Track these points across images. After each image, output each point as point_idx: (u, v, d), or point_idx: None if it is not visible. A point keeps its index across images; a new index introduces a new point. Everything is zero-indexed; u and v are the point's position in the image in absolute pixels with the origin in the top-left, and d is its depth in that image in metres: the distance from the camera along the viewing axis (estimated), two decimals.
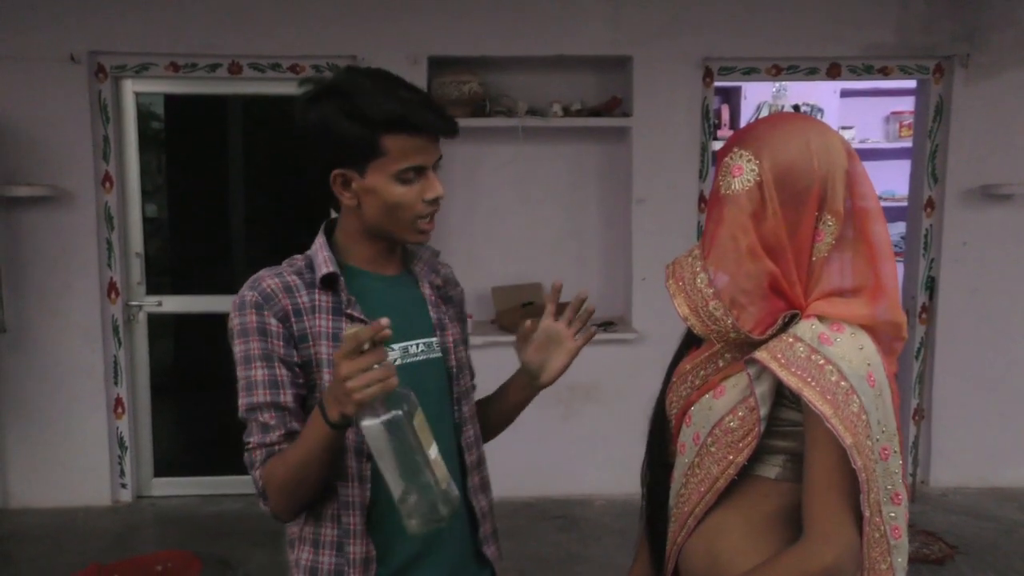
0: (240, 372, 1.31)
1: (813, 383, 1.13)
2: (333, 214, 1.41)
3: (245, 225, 4.76)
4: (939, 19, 4.01)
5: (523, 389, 1.57)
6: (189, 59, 3.92)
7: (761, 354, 1.17)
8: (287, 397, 1.30)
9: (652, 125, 4.03)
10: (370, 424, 1.11)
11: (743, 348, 1.23)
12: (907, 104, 5.35)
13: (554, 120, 4.03)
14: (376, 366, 1.10)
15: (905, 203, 4.47)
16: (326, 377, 1.30)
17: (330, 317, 1.33)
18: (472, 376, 1.57)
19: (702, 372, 1.30)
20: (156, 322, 4.21)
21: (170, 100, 4.35)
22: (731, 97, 5.36)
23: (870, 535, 1.14)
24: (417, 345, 1.39)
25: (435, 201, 1.34)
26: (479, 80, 3.96)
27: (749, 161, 1.19)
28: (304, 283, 1.34)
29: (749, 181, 1.19)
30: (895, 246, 4.91)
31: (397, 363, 1.32)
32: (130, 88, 4.04)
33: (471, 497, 1.46)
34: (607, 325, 4.12)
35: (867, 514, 1.13)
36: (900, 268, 4.40)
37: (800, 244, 1.19)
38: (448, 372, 1.44)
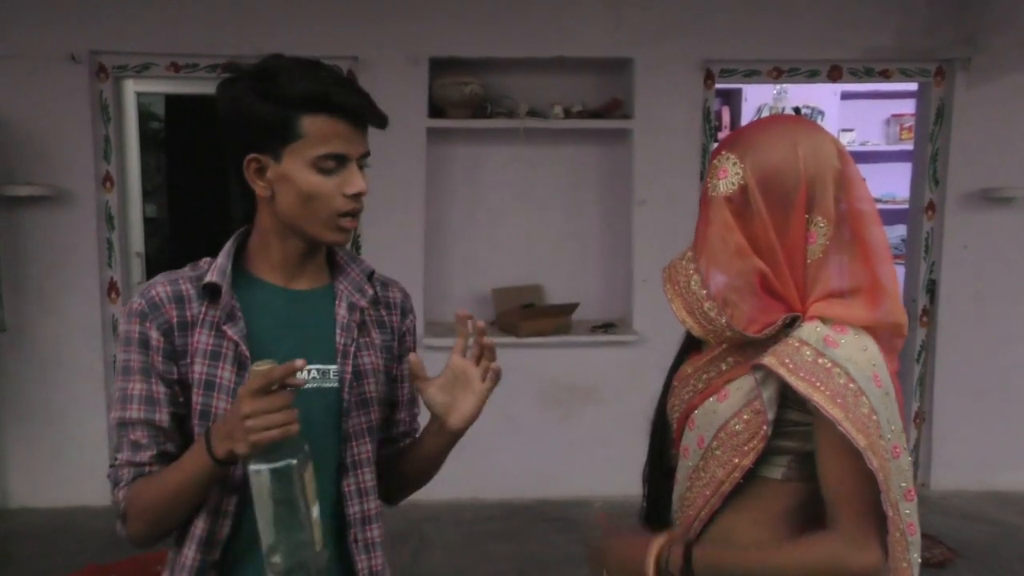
0: (118, 382, 1.23)
1: (822, 387, 1.13)
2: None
3: (243, 224, 4.77)
4: (940, 22, 4.01)
5: (435, 435, 1.30)
6: (190, 59, 3.92)
7: (768, 359, 1.17)
8: (162, 416, 1.21)
9: (653, 127, 4.03)
10: (258, 468, 1.04)
11: (744, 350, 1.24)
12: (907, 107, 5.35)
13: (555, 122, 4.02)
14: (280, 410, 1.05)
15: (906, 206, 4.47)
16: (198, 399, 1.21)
17: (211, 332, 1.22)
18: (394, 414, 1.41)
19: (704, 376, 1.30)
20: None
21: (170, 100, 4.35)
22: (732, 99, 5.36)
23: (892, 534, 1.15)
24: (309, 371, 1.24)
25: (356, 197, 1.22)
26: (480, 81, 3.96)
27: (734, 164, 1.21)
28: (197, 292, 1.24)
29: (733, 184, 1.20)
30: (895, 249, 4.93)
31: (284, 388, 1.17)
32: (131, 88, 4.04)
33: (353, 554, 1.29)
34: (607, 327, 4.12)
35: (890, 513, 1.14)
36: (901, 271, 4.39)
37: (792, 246, 1.19)
38: (340, 405, 1.27)
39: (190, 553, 1.22)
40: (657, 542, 1.25)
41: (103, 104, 3.94)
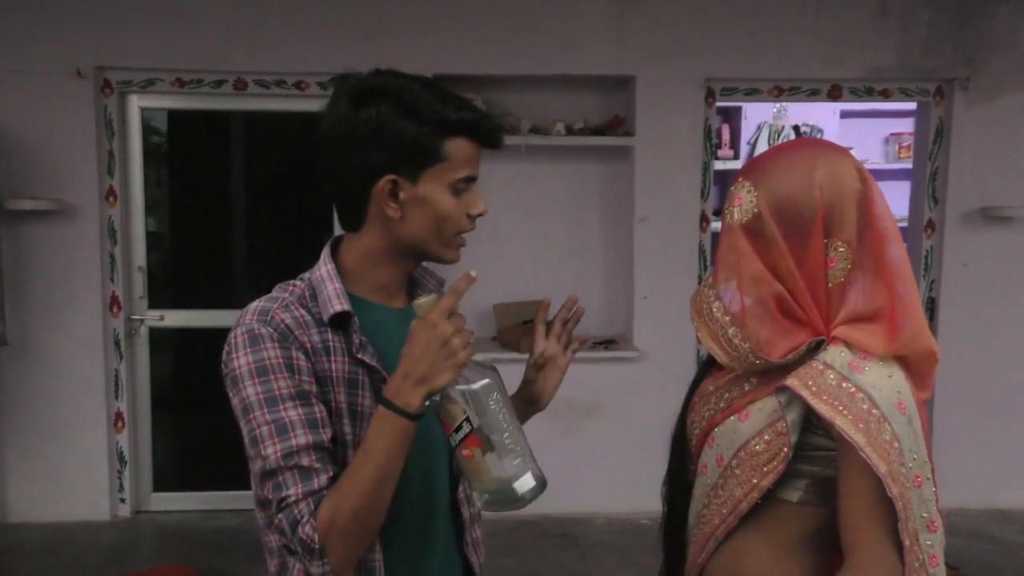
0: (262, 416, 1.12)
1: (846, 412, 1.12)
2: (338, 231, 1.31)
3: (247, 240, 4.77)
4: (940, 42, 4.04)
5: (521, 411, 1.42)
6: (195, 75, 3.95)
7: (792, 381, 1.16)
8: (328, 437, 1.14)
9: (654, 144, 4.05)
10: (481, 384, 1.09)
11: (769, 372, 1.23)
12: (906, 125, 5.38)
13: (557, 138, 4.05)
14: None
15: (905, 224, 4.49)
16: (347, 428, 1.18)
17: (345, 360, 1.19)
18: None
19: (727, 394, 1.29)
20: (157, 336, 4.21)
21: (173, 115, 4.37)
22: (732, 117, 5.39)
23: (910, 564, 1.14)
24: None
25: (476, 218, 1.27)
26: (483, 98, 3.98)
27: (749, 192, 1.21)
28: (313, 318, 1.19)
29: (748, 212, 1.21)
30: None
31: None
32: (135, 103, 4.06)
33: (468, 554, 1.37)
34: (608, 343, 4.12)
35: (907, 543, 1.12)
36: None
37: (812, 271, 1.19)
38: None
39: None
40: None
41: (107, 119, 3.97)
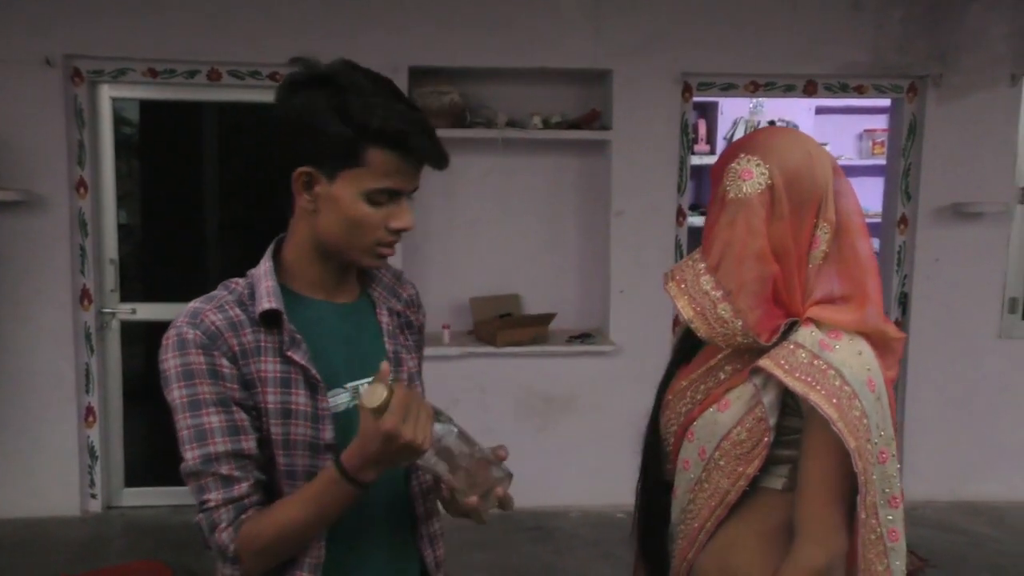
0: (184, 420, 1.14)
1: (819, 387, 1.14)
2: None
3: (220, 232, 4.72)
4: (913, 40, 4.08)
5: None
6: (168, 65, 3.90)
7: (764, 362, 1.18)
8: (250, 444, 1.16)
9: (631, 138, 4.06)
10: (442, 446, 1.11)
11: (742, 357, 1.24)
12: (880, 122, 5.43)
13: (533, 132, 4.04)
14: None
15: (878, 220, 4.53)
16: (277, 428, 1.18)
17: (276, 359, 1.18)
18: None
19: (703, 386, 1.30)
20: (129, 330, 4.16)
21: (145, 105, 4.31)
22: (708, 112, 5.41)
23: (865, 536, 1.16)
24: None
25: (399, 232, 1.21)
26: (459, 91, 3.97)
27: (758, 166, 1.21)
28: (248, 317, 1.19)
29: (760, 184, 1.20)
30: None
31: (349, 405, 1.23)
32: (106, 93, 4.00)
33: (421, 547, 1.36)
34: (584, 337, 4.13)
35: (863, 516, 1.15)
36: None
37: (802, 251, 1.21)
38: None
39: None
40: None
41: (78, 109, 3.90)
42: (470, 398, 4.00)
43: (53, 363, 3.93)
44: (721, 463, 1.24)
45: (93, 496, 4.07)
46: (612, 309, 4.13)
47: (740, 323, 1.20)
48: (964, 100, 4.11)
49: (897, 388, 4.21)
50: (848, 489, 1.15)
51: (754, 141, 1.26)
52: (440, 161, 1.20)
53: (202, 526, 1.16)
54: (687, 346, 1.39)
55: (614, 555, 3.60)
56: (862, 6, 4.05)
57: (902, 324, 4.26)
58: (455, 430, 1.12)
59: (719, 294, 1.21)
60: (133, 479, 4.20)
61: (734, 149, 1.26)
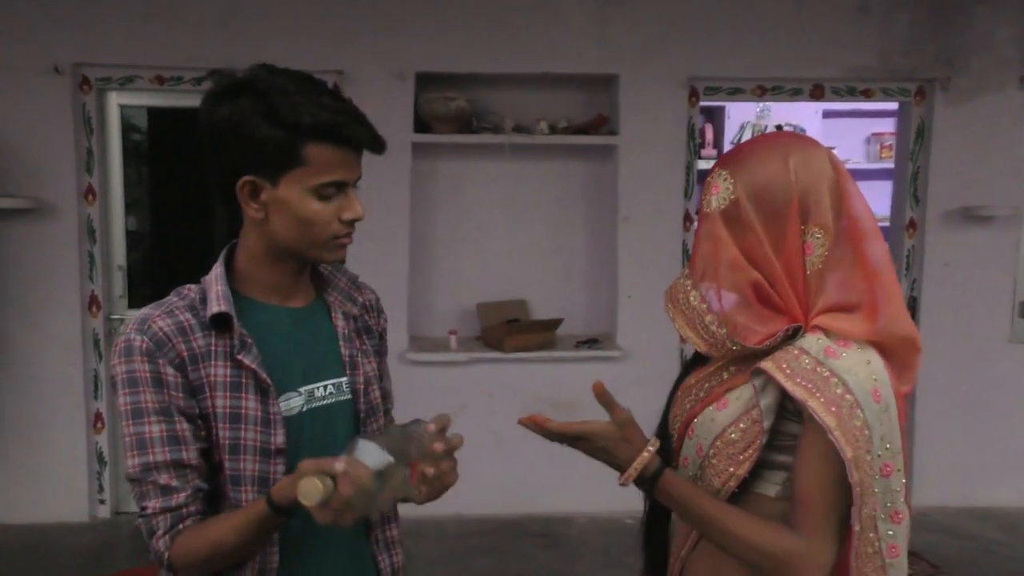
0: (127, 427, 1.16)
1: (819, 394, 1.13)
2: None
3: (228, 239, 4.74)
4: (921, 43, 4.07)
5: None
6: (175, 72, 3.91)
7: (766, 364, 1.18)
8: (190, 454, 1.16)
9: (638, 143, 4.05)
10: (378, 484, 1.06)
11: (747, 360, 1.24)
12: (888, 125, 5.42)
13: (540, 137, 4.04)
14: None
15: (887, 224, 4.52)
16: (225, 432, 1.18)
17: (227, 363, 1.19)
18: (386, 413, 1.42)
19: (707, 385, 1.30)
20: None
21: (153, 112, 4.33)
22: (715, 116, 5.40)
23: (861, 550, 1.15)
24: (325, 387, 1.27)
25: (352, 222, 1.22)
26: (466, 96, 3.97)
27: (725, 180, 1.22)
28: (199, 322, 1.19)
29: (725, 200, 1.22)
30: None
31: (304, 409, 1.24)
32: (114, 100, 4.02)
33: (375, 552, 1.35)
34: (592, 342, 4.12)
35: (857, 528, 1.13)
36: None
37: (789, 258, 1.19)
38: (357, 415, 1.31)
39: None
40: (651, 451, 1.23)
41: (86, 116, 3.92)
42: (478, 404, 3.99)
43: (62, 369, 3.95)
44: (714, 461, 1.24)
45: (102, 502, 4.07)
46: (620, 314, 4.12)
47: (724, 331, 1.22)
48: (972, 103, 4.10)
49: (907, 394, 4.20)
50: (843, 499, 1.14)
51: (732, 154, 1.27)
52: (377, 146, 1.20)
53: (142, 531, 1.19)
54: None
55: (622, 562, 3.59)
56: (869, 9, 4.04)
57: None
58: (390, 460, 1.06)
59: (704, 307, 1.24)
60: None
61: (717, 161, 1.29)
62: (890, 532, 1.17)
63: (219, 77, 1.19)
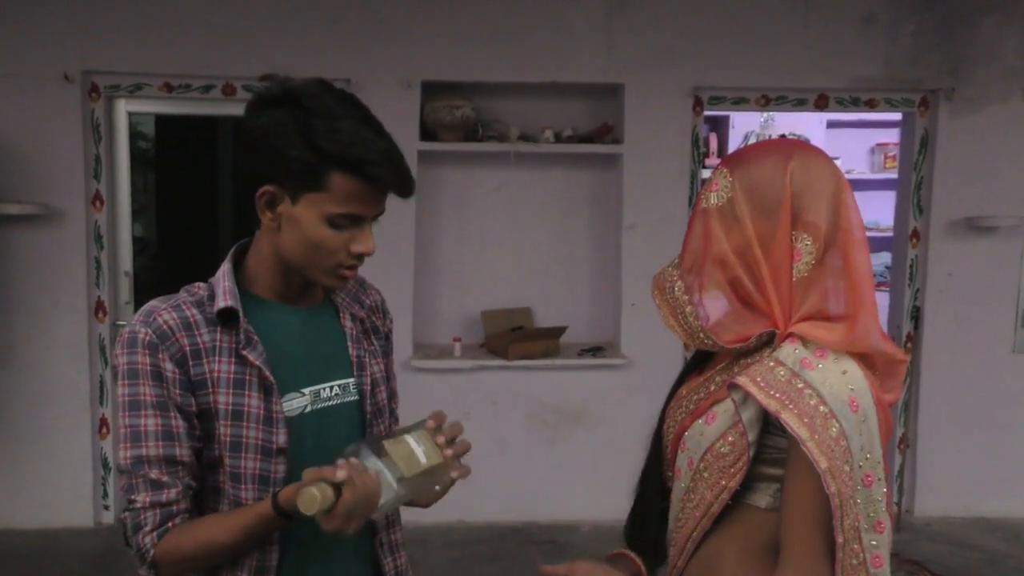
0: (125, 419, 1.16)
1: (791, 406, 1.13)
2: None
3: (233, 244, 4.77)
4: (925, 54, 4.08)
5: None
6: (183, 80, 3.94)
7: (742, 378, 1.18)
8: (183, 451, 1.16)
9: (642, 152, 4.07)
10: (384, 501, 1.09)
11: (731, 370, 1.25)
12: (892, 136, 5.42)
13: (545, 146, 4.06)
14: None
15: (890, 233, 4.52)
16: (226, 430, 1.19)
17: (231, 360, 1.19)
18: (391, 414, 1.42)
19: (695, 397, 1.31)
20: None
21: (160, 120, 4.36)
22: (719, 126, 5.41)
23: (845, 562, 1.15)
24: (331, 388, 1.28)
25: (361, 256, 1.22)
26: (472, 105, 3.99)
27: (725, 177, 1.24)
28: (205, 318, 1.20)
29: (723, 196, 1.24)
30: (880, 276, 4.96)
31: (307, 409, 1.24)
32: (123, 108, 4.04)
33: (380, 555, 1.35)
34: (596, 350, 4.13)
35: (840, 540, 1.13)
36: (885, 298, 4.43)
37: (777, 261, 1.20)
38: (363, 417, 1.32)
39: None
40: None
41: (95, 123, 3.95)
42: (482, 411, 4.00)
43: (68, 374, 3.96)
44: (705, 475, 1.25)
45: (106, 508, 4.08)
46: (623, 322, 4.13)
47: (699, 324, 1.24)
48: (976, 114, 4.11)
49: (910, 403, 4.21)
50: (826, 512, 1.13)
51: (735, 155, 1.29)
52: (404, 190, 1.19)
53: (126, 524, 1.17)
54: (702, 354, 1.39)
55: None
56: (874, 20, 4.06)
57: (915, 339, 4.24)
58: (399, 473, 1.09)
59: (687, 298, 1.26)
60: None
61: (720, 163, 1.30)
62: (873, 542, 1.17)
63: (270, 83, 1.19)
